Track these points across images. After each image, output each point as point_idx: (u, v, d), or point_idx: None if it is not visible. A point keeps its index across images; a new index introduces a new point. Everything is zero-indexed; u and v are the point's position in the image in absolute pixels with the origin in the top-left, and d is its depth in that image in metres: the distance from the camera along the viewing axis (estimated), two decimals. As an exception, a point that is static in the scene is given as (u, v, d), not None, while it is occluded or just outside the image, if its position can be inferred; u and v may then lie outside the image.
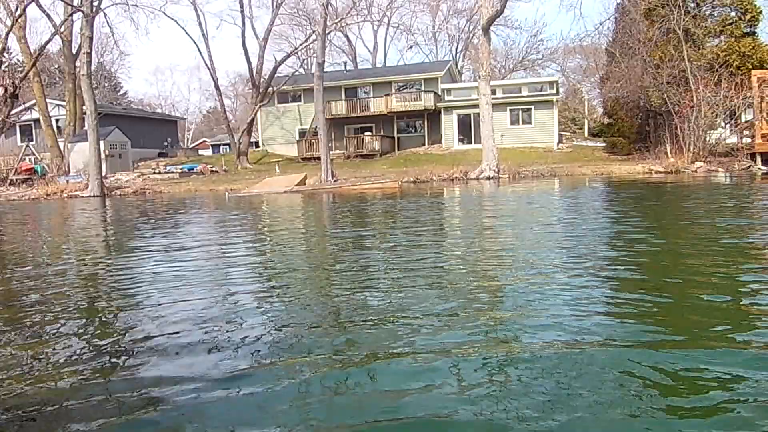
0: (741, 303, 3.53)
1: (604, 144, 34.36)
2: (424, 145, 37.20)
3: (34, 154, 37.74)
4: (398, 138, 38.08)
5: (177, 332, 3.39)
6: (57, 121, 38.72)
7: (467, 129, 35.67)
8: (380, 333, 3.21)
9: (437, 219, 10.77)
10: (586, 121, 47.46)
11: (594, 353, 2.67)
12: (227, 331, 3.35)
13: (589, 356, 2.63)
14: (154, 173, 34.11)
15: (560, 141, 35.73)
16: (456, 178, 25.84)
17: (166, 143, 44.30)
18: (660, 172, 23.68)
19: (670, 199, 12.99)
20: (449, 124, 36.12)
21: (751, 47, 26.73)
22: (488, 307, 3.74)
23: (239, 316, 3.74)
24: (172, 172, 33.95)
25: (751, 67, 25.67)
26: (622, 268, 4.83)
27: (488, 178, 24.65)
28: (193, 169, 34.84)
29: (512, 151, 30.75)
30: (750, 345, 2.71)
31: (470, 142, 34.70)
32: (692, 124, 25.32)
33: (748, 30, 27.77)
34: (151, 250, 7.66)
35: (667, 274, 4.57)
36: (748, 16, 27.56)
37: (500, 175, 25.00)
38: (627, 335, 2.93)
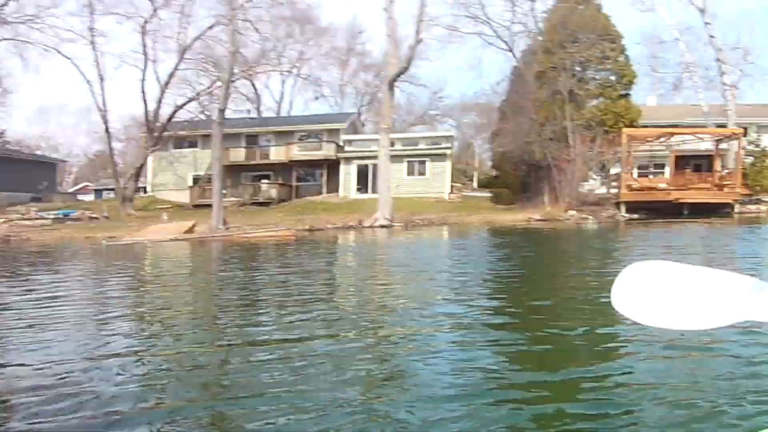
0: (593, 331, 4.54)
1: (490, 194, 35.81)
2: (321, 194, 36.98)
3: None
4: (296, 186, 37.60)
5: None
6: None
7: (365, 178, 35.94)
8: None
9: (328, 266, 10.54)
10: (475, 174, 49.41)
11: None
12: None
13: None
14: (24, 219, 31.33)
15: (451, 191, 36.81)
16: (351, 226, 25.71)
17: (41, 187, 41.09)
18: (538, 220, 25.00)
19: (542, 243, 14.60)
20: (348, 173, 36.26)
21: (624, 108, 29.20)
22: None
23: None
24: (45, 218, 31.34)
25: (623, 125, 27.94)
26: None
27: (382, 226, 24.73)
28: (68, 215, 32.41)
29: (407, 201, 31.20)
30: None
31: (367, 191, 34.93)
32: (568, 176, 27.03)
33: (624, 92, 30.22)
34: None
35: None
36: (624, 80, 30.09)
37: (393, 224, 25.17)
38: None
